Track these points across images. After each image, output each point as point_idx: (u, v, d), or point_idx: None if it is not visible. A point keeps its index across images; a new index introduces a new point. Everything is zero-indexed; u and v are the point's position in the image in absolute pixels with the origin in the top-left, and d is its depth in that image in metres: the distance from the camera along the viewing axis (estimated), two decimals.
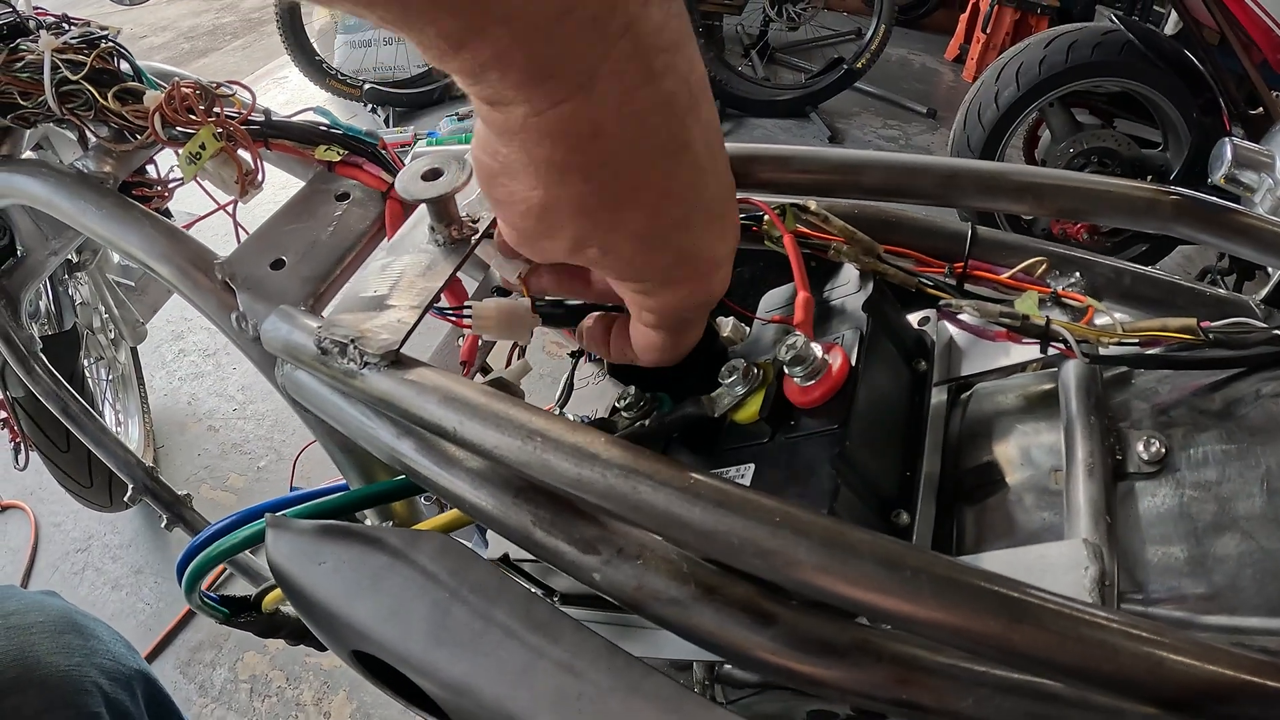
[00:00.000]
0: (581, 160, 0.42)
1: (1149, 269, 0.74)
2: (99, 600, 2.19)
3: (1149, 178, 2.87)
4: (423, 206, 0.62)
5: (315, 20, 4.69)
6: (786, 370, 0.59)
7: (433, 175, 0.59)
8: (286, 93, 4.82)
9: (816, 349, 0.59)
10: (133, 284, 1.49)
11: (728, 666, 0.76)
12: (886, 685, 0.44)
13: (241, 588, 1.68)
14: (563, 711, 0.51)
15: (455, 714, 0.58)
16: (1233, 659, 0.35)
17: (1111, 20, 2.79)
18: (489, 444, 0.49)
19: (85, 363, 2.01)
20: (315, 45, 4.24)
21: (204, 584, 0.84)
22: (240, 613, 0.91)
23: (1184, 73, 2.71)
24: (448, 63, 0.38)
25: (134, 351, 2.38)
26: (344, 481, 0.83)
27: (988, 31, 4.60)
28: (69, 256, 1.73)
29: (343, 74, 4.23)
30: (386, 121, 4.24)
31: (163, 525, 1.75)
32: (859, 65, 4.09)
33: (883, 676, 0.44)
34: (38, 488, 2.38)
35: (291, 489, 1.13)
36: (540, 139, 0.41)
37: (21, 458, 1.88)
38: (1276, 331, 0.60)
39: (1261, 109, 2.65)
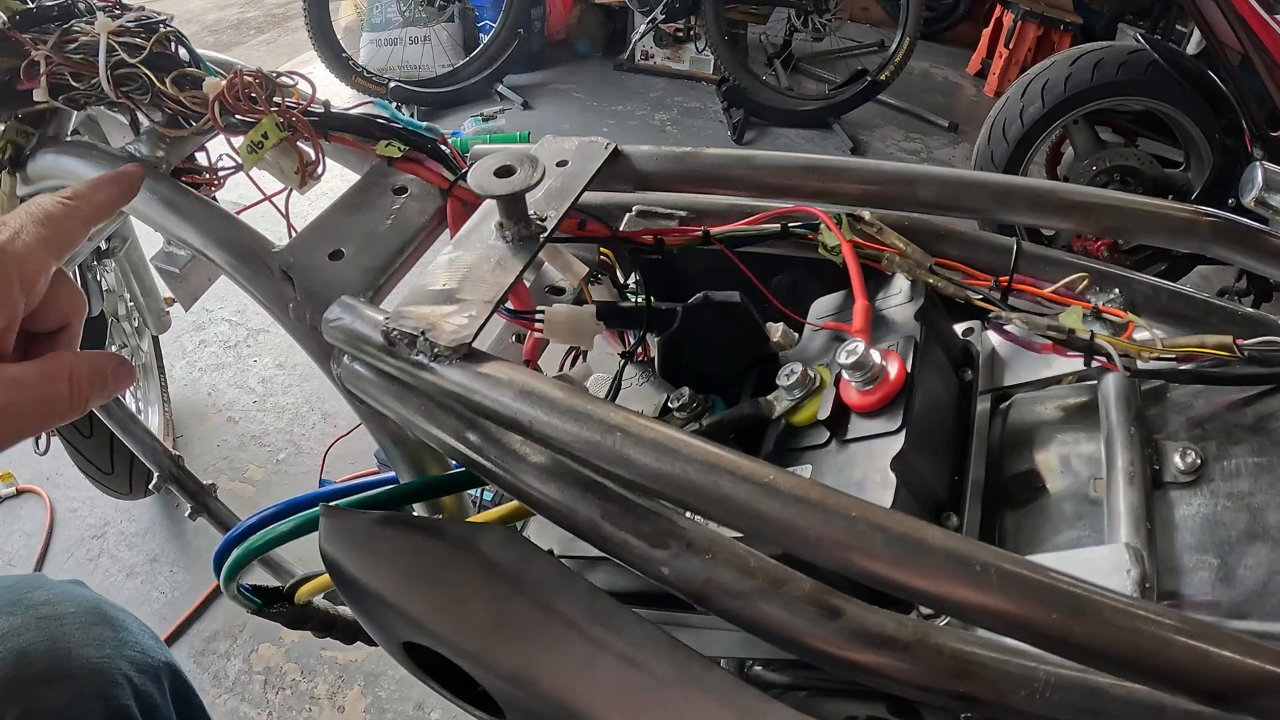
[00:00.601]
0: None
1: (1184, 288, 0.76)
2: (114, 587, 2.17)
3: (1170, 197, 2.87)
4: (490, 203, 0.63)
5: (342, 18, 4.70)
6: (845, 375, 0.61)
7: (505, 172, 0.60)
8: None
9: (875, 355, 0.60)
10: (176, 270, 1.49)
11: (757, 668, 0.77)
12: (946, 678, 0.46)
13: (258, 579, 1.68)
14: (622, 703, 0.52)
15: (511, 707, 0.59)
16: (1274, 655, 0.37)
17: (1136, 39, 2.79)
18: (567, 438, 0.50)
19: (110, 349, 2.00)
20: (341, 42, 4.24)
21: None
22: (272, 604, 0.92)
23: (1207, 93, 2.71)
24: None
25: (156, 340, 2.37)
26: (391, 474, 0.83)
27: (1010, 47, 4.60)
28: (99, 244, 1.72)
29: (369, 71, 4.22)
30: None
31: (187, 514, 1.74)
32: (883, 78, 4.09)
33: (943, 669, 0.45)
34: (54, 473, 2.37)
35: (321, 480, 1.14)
36: None
37: (43, 442, 1.86)
38: None
39: None
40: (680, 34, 4.52)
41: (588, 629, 0.55)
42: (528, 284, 0.75)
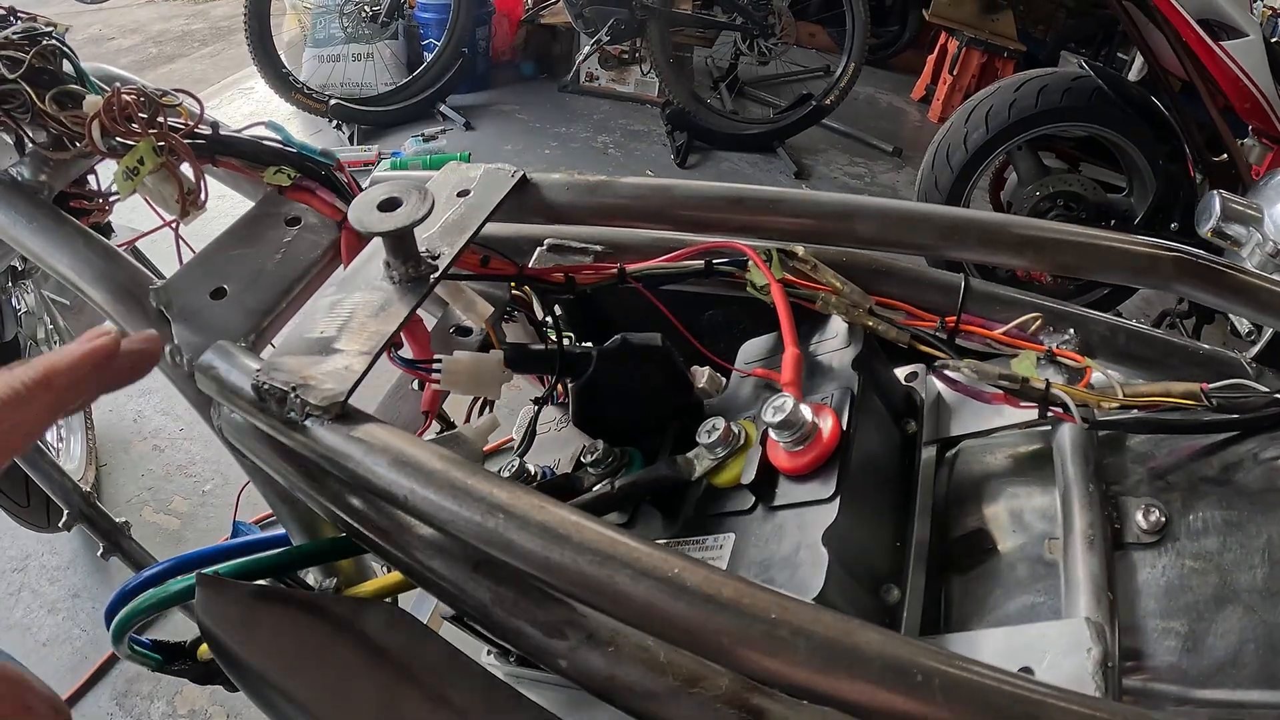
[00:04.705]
0: None
1: (1143, 327, 0.72)
2: (34, 624, 2.08)
3: (1112, 222, 2.89)
4: (378, 239, 0.57)
5: (285, 32, 4.63)
6: (773, 434, 0.54)
7: (390, 205, 0.53)
8: (252, 104, 4.74)
9: (806, 412, 0.54)
10: (68, 303, 1.41)
11: None
12: None
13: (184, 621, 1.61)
14: None
15: None
16: None
17: (1080, 66, 2.82)
18: (444, 517, 0.44)
19: None
20: (283, 57, 4.15)
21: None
22: (174, 660, 0.85)
23: (1150, 119, 2.74)
24: None
25: None
26: (282, 531, 0.77)
27: (954, 73, 4.67)
28: (13, 263, 1.65)
29: (309, 88, 4.14)
30: (351, 139, 4.16)
31: (99, 554, 1.67)
32: (827, 102, 4.12)
33: None
34: None
35: (235, 523, 1.06)
36: None
37: None
38: (1278, 395, 0.58)
39: (1225, 155, 2.68)
40: (625, 56, 4.54)
41: None
42: (430, 325, 0.68)
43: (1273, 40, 3.18)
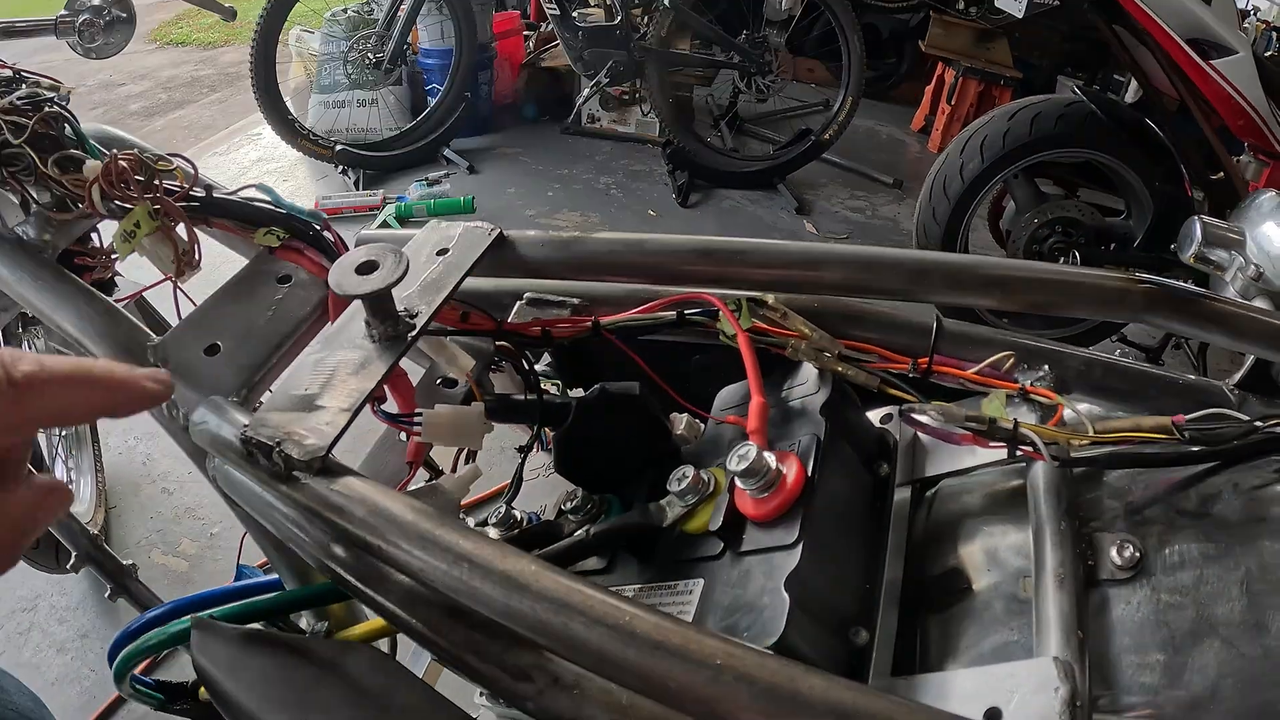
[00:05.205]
0: None
1: (1119, 359, 0.72)
2: (43, 663, 2.09)
3: (1112, 246, 2.89)
4: (357, 300, 0.59)
5: (291, 79, 4.69)
6: (738, 481, 0.56)
7: (368, 269, 0.56)
8: (259, 150, 4.80)
9: (770, 459, 0.56)
10: (68, 355, 1.46)
11: None
12: None
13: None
14: None
15: None
16: None
17: (1074, 91, 2.83)
18: (414, 566, 0.46)
19: None
20: (289, 104, 4.20)
21: (141, 665, 0.79)
22: (176, 700, 0.86)
23: (1145, 141, 2.75)
24: None
25: None
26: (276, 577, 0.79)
27: (952, 103, 4.69)
28: (24, 310, 1.68)
29: (315, 134, 4.18)
30: (357, 184, 4.21)
31: (106, 595, 1.68)
32: (826, 137, 4.14)
33: None
34: None
35: (238, 567, 1.08)
36: None
37: None
38: (1258, 424, 0.59)
39: (1222, 174, 2.68)
40: (626, 97, 4.57)
41: None
42: (415, 379, 0.71)
43: (1266, 55, 3.20)
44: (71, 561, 1.67)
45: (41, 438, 2.03)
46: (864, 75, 4.11)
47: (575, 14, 4.08)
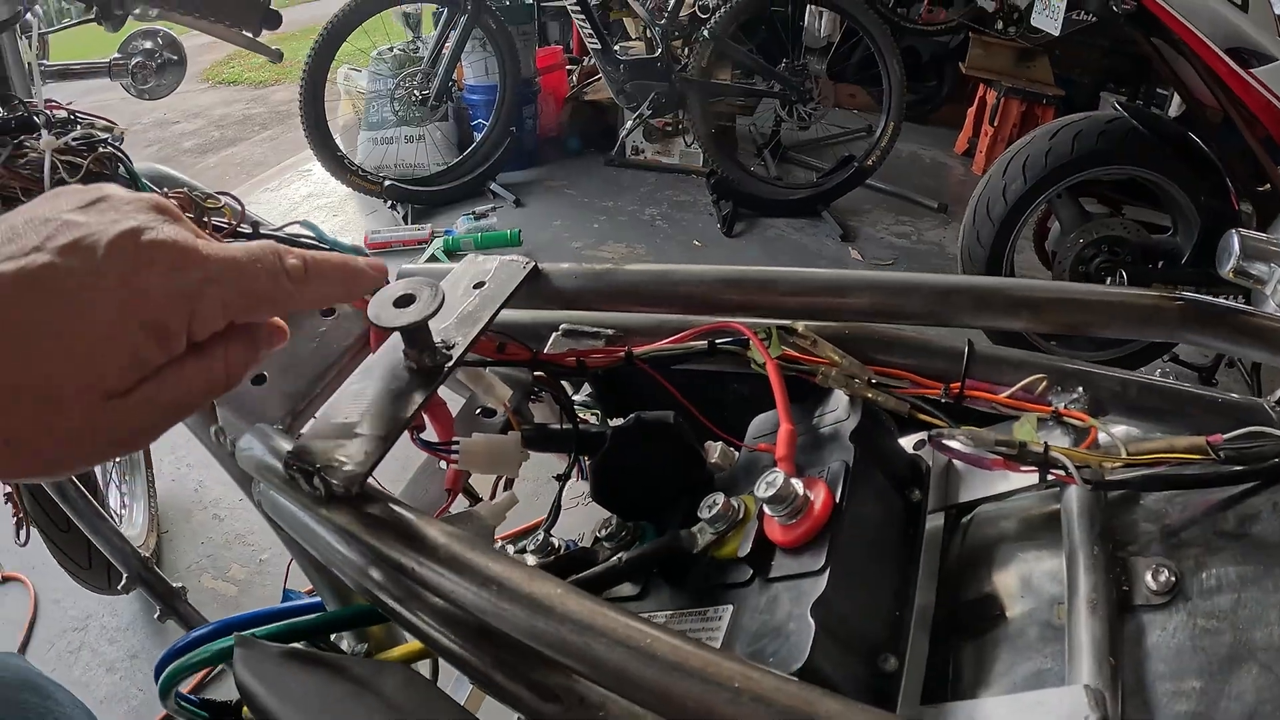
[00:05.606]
0: None
1: (1155, 379, 0.70)
2: (93, 682, 2.15)
3: (1160, 263, 2.84)
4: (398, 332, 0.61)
5: (339, 117, 4.81)
6: (767, 509, 0.57)
7: (405, 301, 0.58)
8: (310, 185, 4.94)
9: (797, 486, 0.56)
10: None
11: None
12: None
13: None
14: None
15: None
16: None
17: (1115, 107, 2.80)
18: (445, 587, 0.48)
19: None
20: (339, 140, 4.33)
21: (189, 685, 0.82)
22: (221, 718, 0.89)
23: (1189, 155, 2.71)
24: None
25: None
26: (318, 599, 0.81)
27: (995, 124, 4.68)
28: None
29: (364, 170, 4.30)
30: (405, 218, 4.32)
31: (155, 616, 1.72)
32: (869, 163, 4.15)
33: None
34: (40, 563, 2.32)
35: (285, 590, 1.10)
36: None
37: (23, 534, 1.87)
38: None
39: (1269, 185, 2.64)
40: (669, 128, 4.61)
41: None
42: (455, 409, 0.73)
43: None
44: (123, 582, 1.72)
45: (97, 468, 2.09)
46: (905, 99, 4.10)
47: (616, 47, 4.14)
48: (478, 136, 4.55)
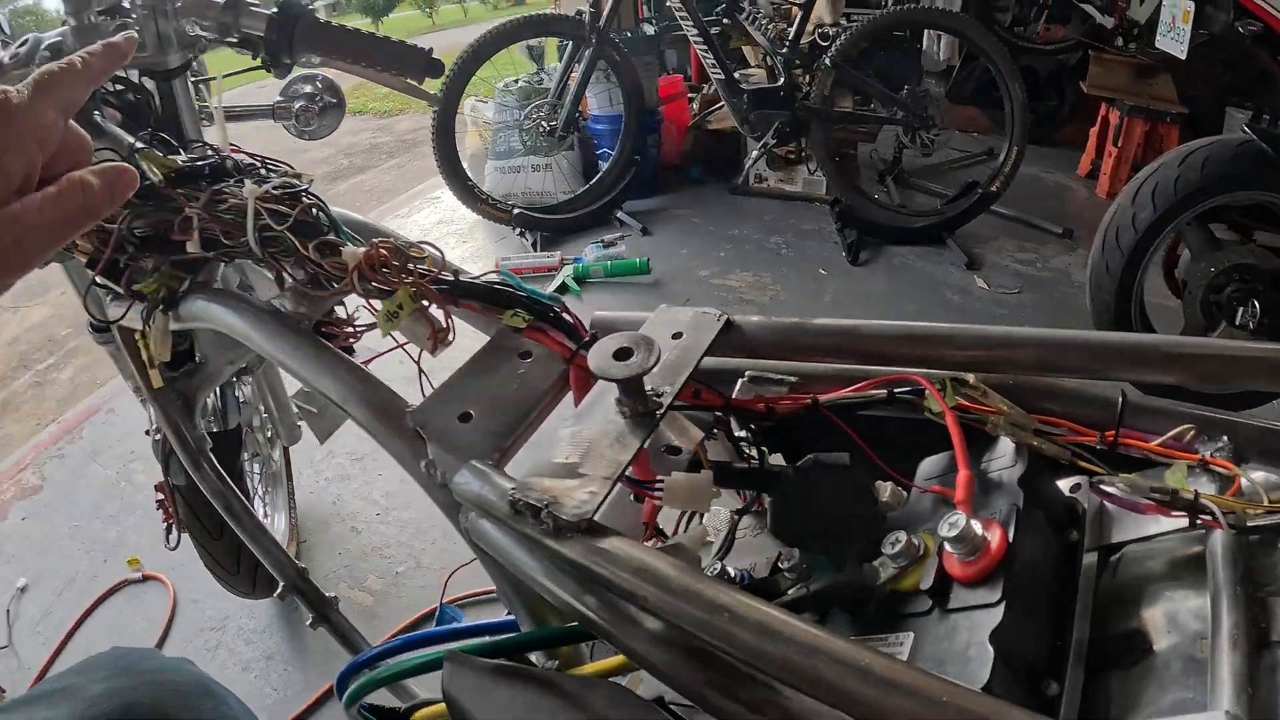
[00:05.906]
0: None
1: None
2: (228, 679, 2.20)
3: None
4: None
5: (467, 146, 4.97)
6: (948, 546, 0.63)
7: (623, 355, 0.65)
8: (439, 212, 5.08)
9: (977, 527, 0.63)
10: (314, 410, 1.62)
11: None
12: None
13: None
14: None
15: None
16: None
17: (1244, 130, 2.70)
18: (677, 613, 0.55)
19: (244, 457, 2.14)
20: (467, 169, 4.46)
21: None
22: None
23: None
24: None
25: (286, 450, 2.51)
26: (510, 617, 0.88)
27: (1119, 145, 4.51)
28: (241, 364, 1.85)
29: (493, 198, 4.43)
30: (534, 245, 4.40)
31: (308, 623, 1.80)
32: (994, 189, 4.07)
33: None
34: (180, 564, 2.45)
35: (441, 606, 1.19)
36: None
37: (173, 538, 1.98)
38: None
39: None
40: (792, 156, 4.60)
41: None
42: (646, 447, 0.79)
43: None
44: (279, 590, 1.79)
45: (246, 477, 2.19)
46: (1028, 123, 4.05)
47: (737, 75, 4.17)
48: (603, 165, 4.63)
